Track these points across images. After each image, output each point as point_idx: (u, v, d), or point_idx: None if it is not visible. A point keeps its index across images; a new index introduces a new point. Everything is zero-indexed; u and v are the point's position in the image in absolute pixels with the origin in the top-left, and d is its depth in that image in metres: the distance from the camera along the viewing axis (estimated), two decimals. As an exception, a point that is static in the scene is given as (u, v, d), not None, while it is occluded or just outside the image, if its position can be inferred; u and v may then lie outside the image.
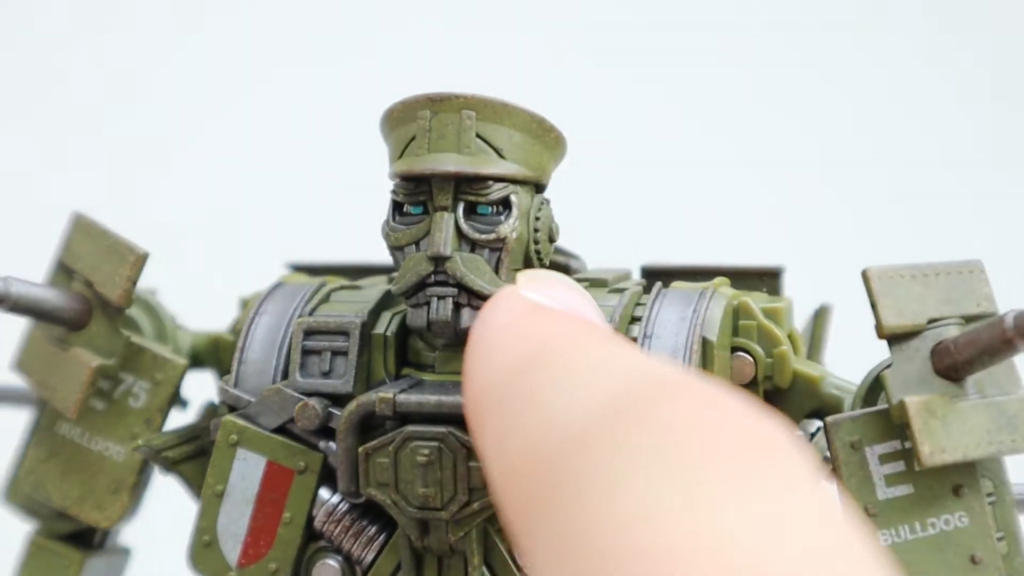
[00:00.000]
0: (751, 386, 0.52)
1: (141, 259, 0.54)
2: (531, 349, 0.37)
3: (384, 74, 1.09)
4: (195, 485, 0.56)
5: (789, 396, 0.52)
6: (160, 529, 0.66)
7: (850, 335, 0.61)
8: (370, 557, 0.51)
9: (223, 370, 0.60)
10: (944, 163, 1.11)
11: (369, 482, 0.49)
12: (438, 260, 0.49)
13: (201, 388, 0.62)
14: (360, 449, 0.49)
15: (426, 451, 0.48)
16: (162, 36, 1.16)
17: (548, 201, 0.52)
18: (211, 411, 0.60)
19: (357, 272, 0.62)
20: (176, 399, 0.58)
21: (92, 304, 0.56)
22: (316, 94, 1.15)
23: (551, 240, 0.52)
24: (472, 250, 0.49)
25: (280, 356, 0.53)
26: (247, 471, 0.52)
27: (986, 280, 0.49)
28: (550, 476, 0.32)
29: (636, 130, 1.09)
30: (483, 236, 0.49)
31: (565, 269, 0.59)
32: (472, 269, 0.49)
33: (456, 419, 0.48)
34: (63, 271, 0.58)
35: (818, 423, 0.54)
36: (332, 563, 0.52)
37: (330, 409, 0.51)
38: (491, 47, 1.12)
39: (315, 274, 0.61)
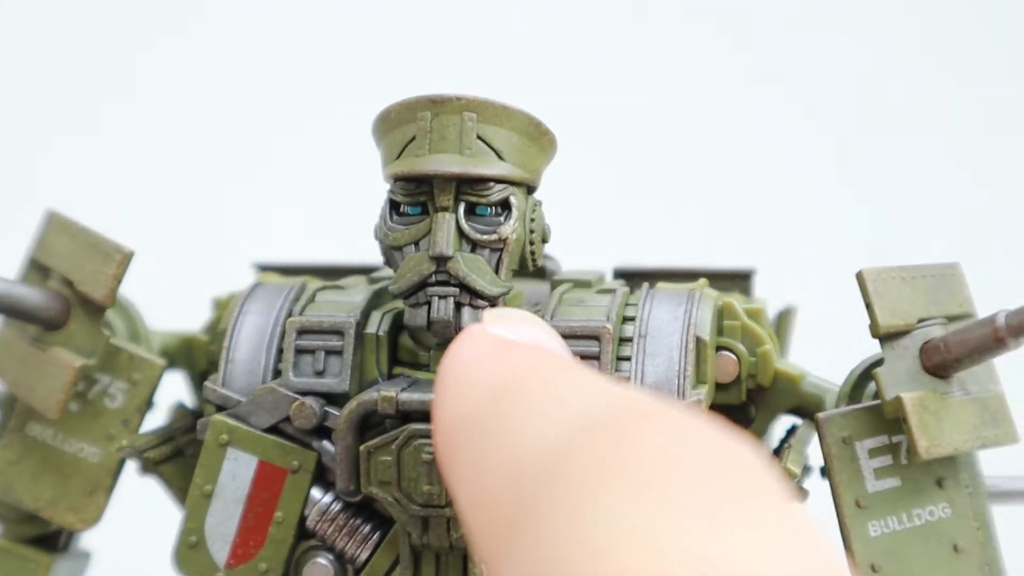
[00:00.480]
0: (735, 384, 0.54)
1: (127, 257, 0.54)
2: (501, 381, 0.37)
3: (358, 77, 1.08)
4: (175, 486, 0.56)
5: (770, 394, 0.54)
6: (121, 532, 0.65)
7: (810, 336, 0.64)
8: (364, 555, 0.52)
9: (196, 371, 0.60)
10: (911, 166, 1.12)
11: (370, 480, 0.49)
12: (440, 260, 0.49)
13: (168, 389, 0.61)
14: (361, 447, 0.49)
15: (431, 449, 0.48)
16: (139, 35, 1.14)
17: (540, 203, 0.52)
18: (182, 412, 0.60)
19: (323, 273, 0.62)
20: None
21: (71, 303, 0.55)
22: (289, 97, 1.13)
23: (544, 241, 0.53)
24: (473, 250, 0.50)
25: (269, 355, 0.53)
26: (238, 471, 0.52)
27: (965, 282, 0.52)
28: (521, 505, 0.32)
29: (606, 132, 1.09)
30: (485, 237, 0.50)
31: (541, 270, 0.59)
32: (474, 269, 0.50)
33: None
34: (37, 269, 0.56)
35: (794, 420, 0.56)
36: (323, 562, 0.52)
37: (326, 408, 0.51)
38: (469, 45, 1.12)
39: (283, 274, 0.61)
